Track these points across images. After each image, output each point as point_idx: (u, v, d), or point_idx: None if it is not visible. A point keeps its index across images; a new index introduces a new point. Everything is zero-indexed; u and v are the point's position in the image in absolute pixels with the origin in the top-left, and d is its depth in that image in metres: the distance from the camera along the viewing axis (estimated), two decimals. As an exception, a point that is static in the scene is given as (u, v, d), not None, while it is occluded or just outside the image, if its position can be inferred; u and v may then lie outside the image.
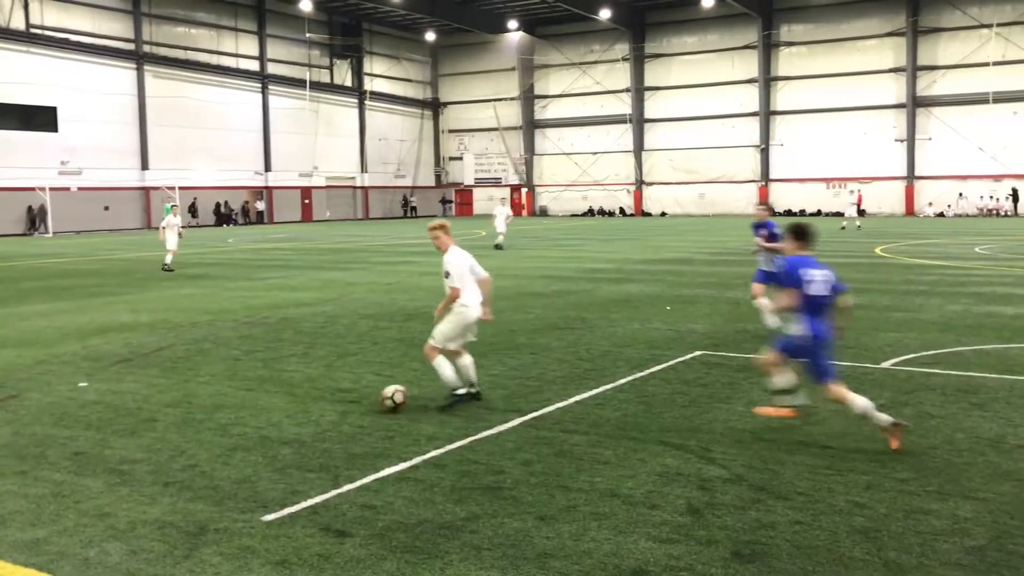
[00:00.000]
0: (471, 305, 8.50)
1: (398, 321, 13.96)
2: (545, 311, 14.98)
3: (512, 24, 69.06)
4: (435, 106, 79.42)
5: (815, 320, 6.96)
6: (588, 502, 5.74)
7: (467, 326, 8.61)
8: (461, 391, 8.40)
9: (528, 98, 74.51)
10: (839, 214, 51.44)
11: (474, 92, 77.13)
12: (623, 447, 6.97)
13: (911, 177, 61.34)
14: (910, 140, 60.70)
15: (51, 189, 49.39)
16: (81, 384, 9.51)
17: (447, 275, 8.41)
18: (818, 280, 6.95)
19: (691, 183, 68.65)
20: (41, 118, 50.50)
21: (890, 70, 61.19)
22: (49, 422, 7.94)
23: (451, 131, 79.84)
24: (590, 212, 72.77)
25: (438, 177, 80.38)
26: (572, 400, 8.53)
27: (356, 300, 16.79)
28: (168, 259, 23.89)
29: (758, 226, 12.77)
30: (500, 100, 75.17)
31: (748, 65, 65.43)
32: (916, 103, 60.26)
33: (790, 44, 64.30)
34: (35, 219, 50.00)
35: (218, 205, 60.41)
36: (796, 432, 7.33)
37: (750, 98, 65.71)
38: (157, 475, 6.42)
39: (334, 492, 5.98)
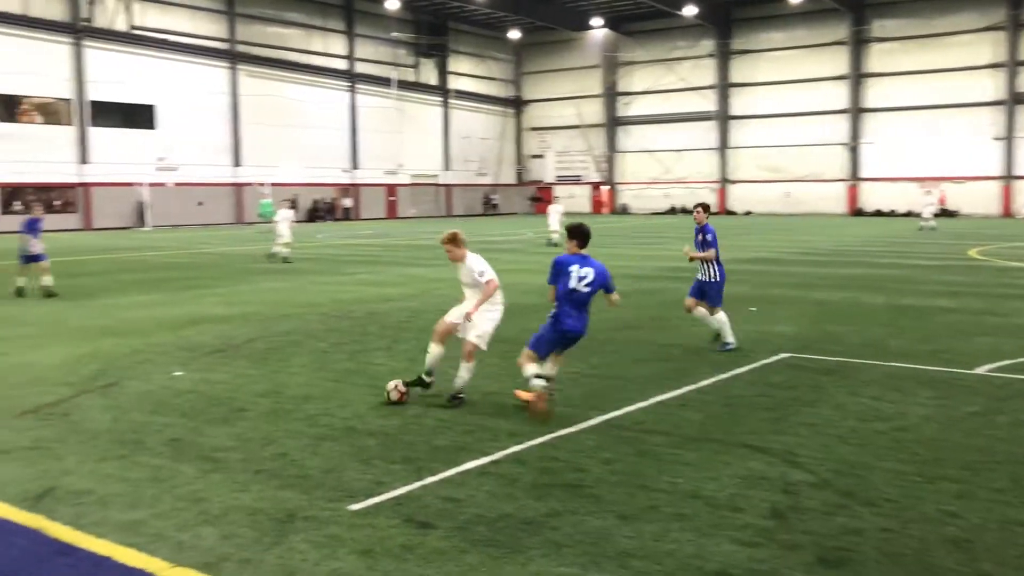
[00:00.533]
0: (500, 304, 8.79)
1: (480, 317, 14.06)
2: (626, 310, 14.87)
3: (596, 21, 68.81)
4: (517, 104, 79.70)
5: (570, 314, 8.10)
6: (670, 503, 5.71)
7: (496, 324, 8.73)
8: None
9: (611, 95, 74.17)
10: (917, 215, 49.82)
11: (557, 90, 77.16)
12: (706, 449, 6.91)
13: (1009, 177, 59.01)
14: (1009, 138, 58.39)
15: (149, 185, 51.25)
16: (176, 373, 9.87)
17: (481, 274, 8.43)
18: (574, 276, 8.03)
19: (777, 181, 67.35)
20: (140, 116, 52.48)
21: (987, 66, 58.94)
22: (147, 409, 8.26)
23: (533, 129, 80.00)
24: (672, 210, 72.05)
25: (519, 175, 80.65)
26: (653, 400, 8.49)
27: (438, 296, 16.98)
28: (286, 251, 25.28)
29: (697, 230, 11.52)
30: (583, 98, 75.05)
31: (838, 61, 63.87)
32: (1016, 100, 57.92)
33: (882, 40, 62.51)
34: (143, 213, 51.92)
35: (315, 202, 62.03)
36: (884, 437, 7.17)
37: (839, 95, 64.13)
38: (248, 463, 6.63)
39: (417, 484, 6.08)
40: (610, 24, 70.19)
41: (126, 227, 50.76)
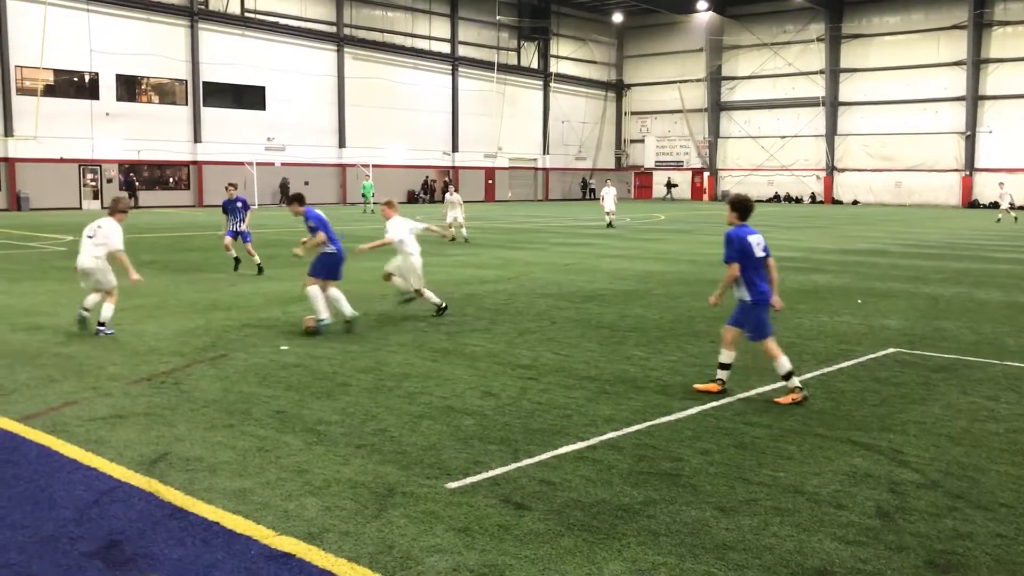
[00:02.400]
0: (415, 253, 12.32)
1: (576, 302, 14.05)
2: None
3: (701, 4, 67.52)
4: (619, 88, 79.00)
5: (762, 284, 8.18)
6: (770, 496, 5.60)
7: (411, 268, 12.39)
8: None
9: (715, 80, 72.78)
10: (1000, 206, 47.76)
11: (659, 74, 76.15)
12: (808, 443, 6.75)
13: None
14: None
15: (257, 164, 52.82)
16: (282, 347, 10.16)
17: (386, 231, 12.40)
18: (756, 245, 8.20)
19: (887, 170, 65.05)
20: (251, 97, 54.10)
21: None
22: (254, 381, 8.54)
23: (633, 113, 79.19)
24: (776, 198, 70.38)
25: (618, 159, 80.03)
26: (754, 392, 8.33)
27: (535, 279, 17.03)
28: (464, 232, 26.88)
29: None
30: (685, 82, 73.86)
31: (955, 46, 61.13)
32: None
33: (1005, 24, 59.50)
34: (285, 192, 53.71)
35: (445, 183, 63.16)
36: (999, 439, 6.87)
37: (956, 81, 61.42)
38: (350, 437, 6.78)
39: (514, 465, 6.12)
40: (716, 7, 68.79)
41: (275, 204, 52.31)
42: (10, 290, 15.03)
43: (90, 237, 10.89)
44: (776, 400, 7.96)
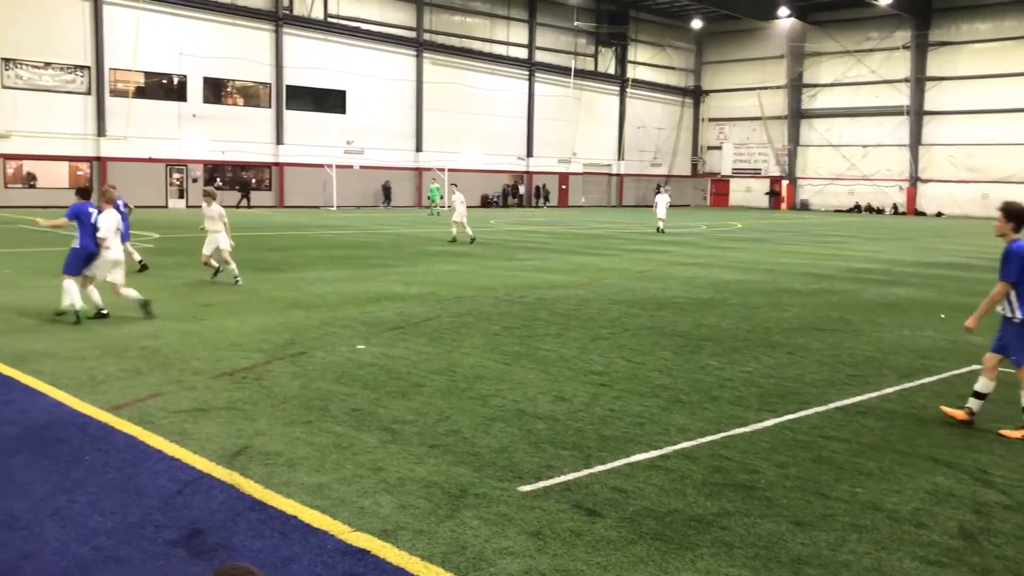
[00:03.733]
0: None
1: (649, 309, 13.96)
2: (803, 310, 14.41)
3: (783, 10, 66.42)
4: (696, 94, 78.22)
5: None
6: (848, 512, 5.49)
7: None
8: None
9: (795, 87, 71.50)
10: None
11: (738, 80, 75.15)
12: (888, 460, 6.59)
13: None
14: None
15: (336, 166, 53.80)
16: (359, 346, 10.34)
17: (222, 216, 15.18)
18: None
19: (974, 182, 62.97)
20: (332, 101, 55.14)
21: None
22: (331, 379, 8.71)
23: (711, 120, 78.31)
24: (856, 208, 68.76)
25: (695, 166, 79.21)
26: (832, 405, 8.16)
27: (608, 285, 16.97)
28: (455, 232, 27.62)
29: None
30: (765, 88, 72.72)
31: (1052, 53, 58.89)
32: None
33: (1107, 30, 57.13)
34: (388, 194, 55.72)
35: (515, 186, 64.39)
36: (1093, 464, 6.60)
37: (1052, 90, 59.14)
38: (424, 436, 6.87)
39: (586, 471, 6.12)
40: (798, 13, 67.57)
41: (314, 206, 53.45)
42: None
43: (118, 231, 12.28)
44: (1004, 432, 7.36)
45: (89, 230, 11.86)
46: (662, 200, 36.03)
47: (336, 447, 6.56)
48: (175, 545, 4.81)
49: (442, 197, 50.11)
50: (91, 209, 12.03)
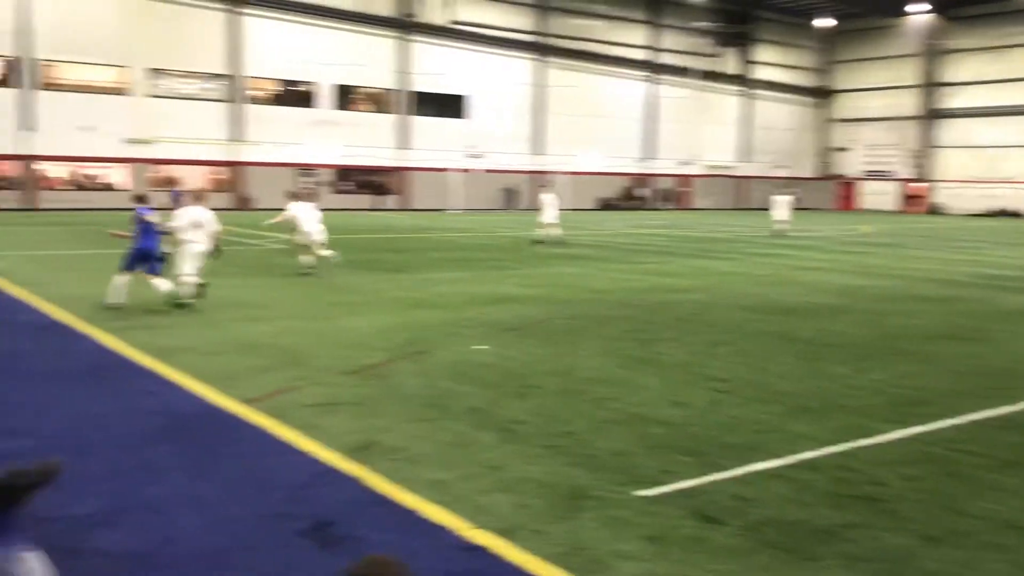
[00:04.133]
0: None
1: (772, 314, 13.65)
2: (935, 317, 13.80)
3: (917, 7, 63.64)
4: (824, 94, 75.81)
5: None
6: (983, 530, 5.25)
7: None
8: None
9: (930, 85, 68.36)
10: None
11: (868, 79, 72.40)
12: (1028, 476, 6.26)
13: None
14: None
15: (459, 170, 54.72)
16: (478, 347, 10.50)
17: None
18: None
19: None
20: (453, 106, 56.13)
21: None
22: (452, 378, 8.88)
23: (839, 120, 75.75)
24: (998, 212, 65.24)
25: (821, 168, 76.79)
26: (966, 418, 7.80)
27: (730, 290, 16.67)
28: (543, 233, 27.37)
29: None
30: (897, 88, 69.82)
31: None
32: None
33: None
34: (512, 197, 56.53)
35: (628, 190, 64.19)
36: None
37: None
38: (540, 437, 6.93)
39: (706, 478, 6.05)
40: (934, 8, 64.62)
41: (437, 209, 54.49)
42: (236, 284, 16.32)
43: (200, 227, 13.32)
44: None
45: (149, 232, 12.95)
46: (782, 201, 35.36)
47: (456, 445, 6.70)
48: (304, 535, 5.01)
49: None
50: (147, 213, 13.17)
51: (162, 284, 12.98)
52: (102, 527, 5.07)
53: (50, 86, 44.68)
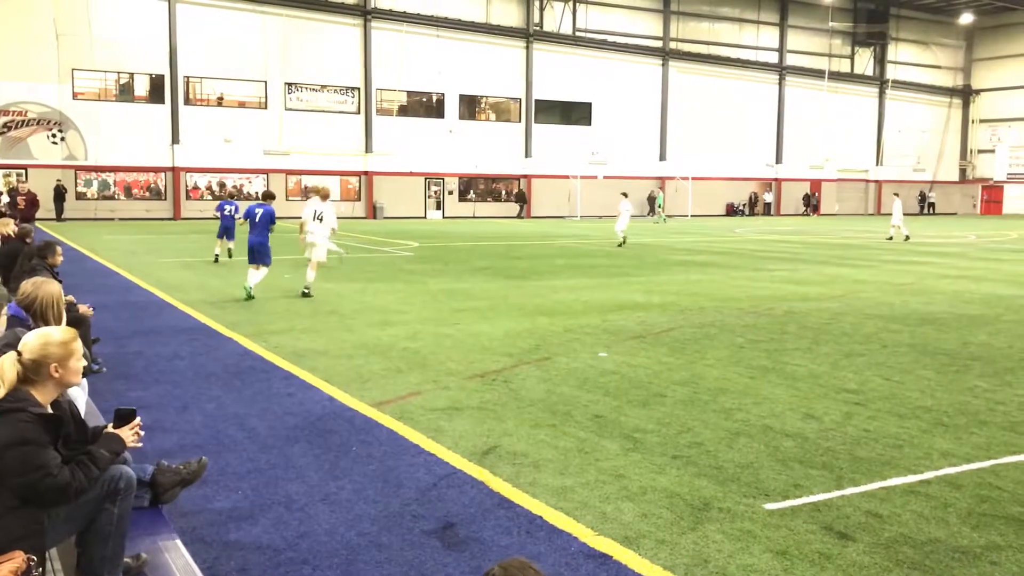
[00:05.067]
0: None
1: (910, 325, 13.08)
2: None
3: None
4: (965, 94, 72.16)
5: None
6: None
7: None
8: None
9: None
10: None
11: (1015, 77, 68.52)
12: None
13: None
14: None
15: (581, 177, 54.76)
16: (601, 354, 10.49)
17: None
18: None
19: None
20: (578, 113, 56.27)
21: None
22: (575, 384, 8.90)
23: (982, 121, 71.91)
24: None
25: (963, 171, 73.08)
26: None
27: (864, 299, 16.07)
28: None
29: None
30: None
31: None
32: None
33: None
34: (653, 204, 56.25)
35: (757, 195, 62.99)
36: None
37: None
38: (665, 447, 6.86)
39: (837, 493, 5.86)
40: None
41: (559, 216, 54.69)
42: (366, 289, 16.83)
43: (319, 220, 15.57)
44: None
45: (257, 226, 15.18)
46: (898, 207, 35.53)
47: (579, 451, 6.71)
48: (430, 535, 5.13)
49: (660, 207, 50.31)
50: (258, 209, 15.40)
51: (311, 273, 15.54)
52: (242, 521, 5.32)
53: (194, 102, 47.25)
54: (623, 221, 29.74)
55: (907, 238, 34.31)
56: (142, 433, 4.29)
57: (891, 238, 34.80)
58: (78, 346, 4.03)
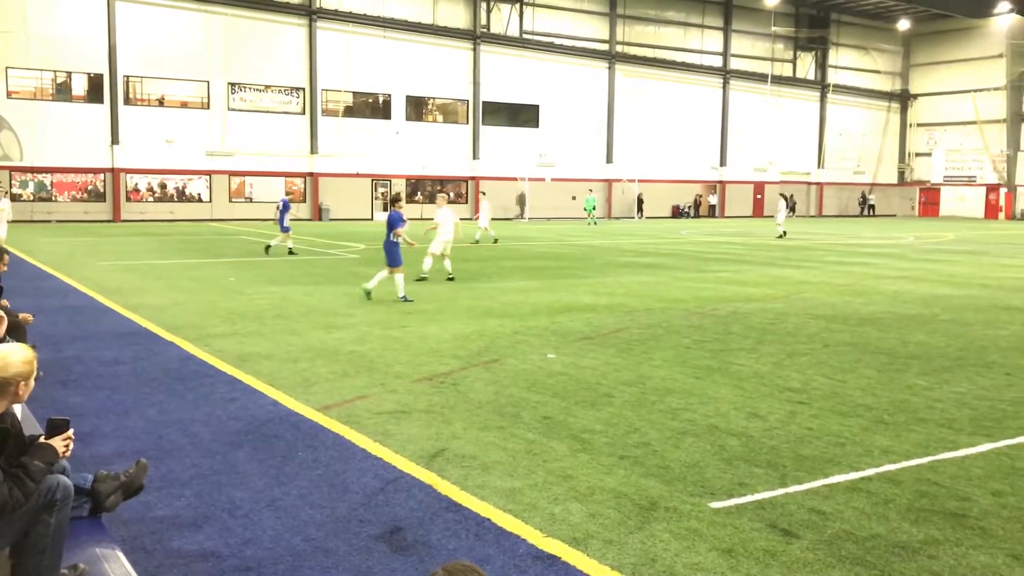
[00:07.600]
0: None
1: (852, 324, 13.35)
2: (1022, 328, 13.33)
3: (1003, 6, 61.63)
4: (903, 98, 73.96)
5: None
6: (1075, 549, 5.04)
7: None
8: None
9: (1016, 88, 66.09)
10: None
11: (950, 82, 70.39)
12: (1124, 494, 5.99)
13: None
14: None
15: (529, 179, 54.88)
16: (549, 355, 10.51)
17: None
18: None
19: None
20: (526, 115, 56.41)
21: None
22: (523, 386, 8.91)
23: (919, 125, 73.75)
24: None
25: (901, 174, 74.87)
26: (1058, 432, 7.50)
27: (806, 299, 16.36)
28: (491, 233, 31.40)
29: None
30: (980, 91, 67.71)
31: None
32: None
33: None
34: (522, 206, 56.02)
35: (701, 197, 62.76)
36: None
37: None
38: (613, 447, 6.90)
39: (781, 491, 5.95)
40: (1019, 9, 62.50)
41: (507, 218, 54.69)
42: (312, 292, 16.65)
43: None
44: None
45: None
46: (783, 207, 39.65)
47: (528, 453, 6.71)
48: (378, 540, 5.08)
49: (595, 208, 50.51)
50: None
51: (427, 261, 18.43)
52: (184, 528, 5.22)
53: (135, 102, 46.32)
54: (483, 219, 32.14)
55: (783, 235, 37.20)
56: (72, 444, 4.18)
57: (782, 235, 37.23)
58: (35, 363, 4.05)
